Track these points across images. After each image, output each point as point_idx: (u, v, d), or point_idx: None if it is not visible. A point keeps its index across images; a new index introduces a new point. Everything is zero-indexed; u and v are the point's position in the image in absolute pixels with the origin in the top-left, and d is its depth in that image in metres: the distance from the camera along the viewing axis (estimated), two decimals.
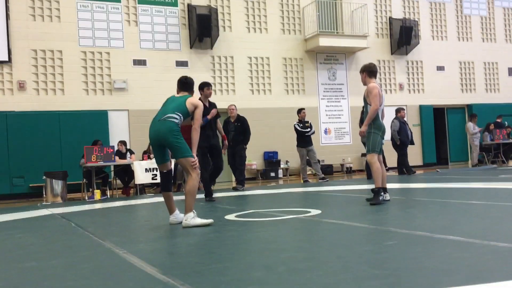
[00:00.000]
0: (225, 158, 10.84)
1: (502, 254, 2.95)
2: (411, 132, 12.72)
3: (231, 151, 10.42)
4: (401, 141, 12.18)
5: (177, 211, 5.15)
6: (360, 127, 6.46)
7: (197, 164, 4.91)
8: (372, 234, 3.92)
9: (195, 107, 5.02)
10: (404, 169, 12.46)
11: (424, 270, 2.64)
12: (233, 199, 8.14)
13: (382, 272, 2.63)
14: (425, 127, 17.27)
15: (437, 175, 11.59)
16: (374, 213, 5.18)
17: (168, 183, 5.21)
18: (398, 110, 12.51)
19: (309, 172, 13.27)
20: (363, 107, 7.10)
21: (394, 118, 12.39)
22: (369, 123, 5.93)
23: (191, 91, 5.24)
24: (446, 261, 2.82)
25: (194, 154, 4.94)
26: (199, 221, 4.80)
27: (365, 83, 6.10)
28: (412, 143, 12.70)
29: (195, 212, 4.86)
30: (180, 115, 4.94)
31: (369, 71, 6.06)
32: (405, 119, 12.68)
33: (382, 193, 5.93)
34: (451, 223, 4.22)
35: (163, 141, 4.92)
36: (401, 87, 17.04)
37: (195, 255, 3.47)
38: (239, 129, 10.36)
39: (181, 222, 4.92)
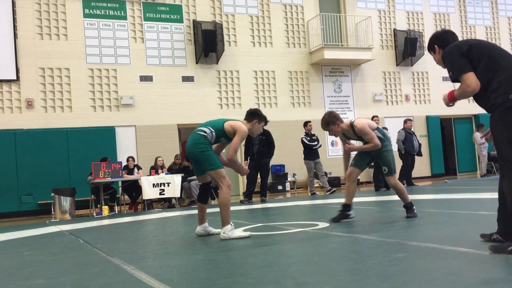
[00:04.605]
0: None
1: None
2: (420, 143, 12.69)
3: (255, 163, 10.57)
4: (406, 151, 12.21)
5: (206, 224, 5.16)
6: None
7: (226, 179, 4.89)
8: (381, 246, 3.90)
9: (235, 131, 4.88)
10: (404, 180, 12.28)
11: (434, 282, 2.62)
12: (241, 213, 8.12)
13: (392, 285, 2.61)
14: (433, 138, 17.20)
15: (446, 186, 11.52)
16: (382, 225, 5.16)
17: (203, 196, 5.22)
18: (405, 121, 12.58)
19: (316, 185, 13.24)
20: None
21: (401, 129, 12.48)
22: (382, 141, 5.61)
23: (247, 120, 5.09)
24: (455, 273, 2.80)
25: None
26: (237, 233, 4.82)
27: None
28: (419, 154, 12.65)
29: (232, 224, 4.87)
30: (212, 130, 4.90)
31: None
32: (412, 129, 12.67)
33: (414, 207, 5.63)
34: (460, 234, 4.19)
35: (191, 153, 4.91)
36: (407, 98, 17.03)
37: (203, 270, 3.47)
38: (263, 142, 10.54)
39: (206, 235, 5.01)
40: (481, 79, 3.30)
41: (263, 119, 5.14)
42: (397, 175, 5.72)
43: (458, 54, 3.40)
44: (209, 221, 5.41)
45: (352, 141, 6.06)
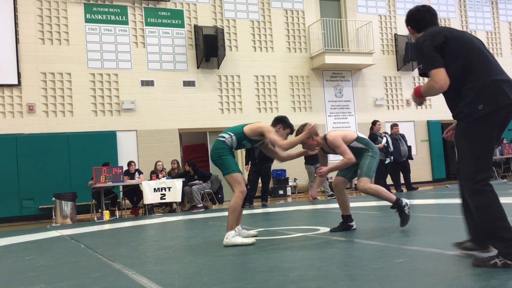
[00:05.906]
0: (246, 174, 11.01)
1: None
2: (409, 147, 12.51)
3: (256, 168, 10.63)
4: (393, 159, 11.88)
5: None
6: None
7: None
8: (382, 251, 3.89)
9: (259, 132, 4.88)
10: (395, 186, 12.19)
11: (435, 287, 2.62)
12: (242, 218, 8.10)
13: None
14: (434, 142, 17.19)
15: (447, 191, 11.50)
16: (383, 230, 5.15)
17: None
18: (392, 126, 12.42)
19: (317, 190, 13.21)
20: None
21: (388, 135, 12.15)
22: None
23: (272, 125, 5.02)
24: (457, 278, 2.80)
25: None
26: (240, 240, 4.78)
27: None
28: (410, 158, 12.51)
29: (236, 230, 4.86)
30: (232, 134, 4.92)
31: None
32: (400, 133, 12.35)
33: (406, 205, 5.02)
34: (461, 239, 4.18)
35: (212, 159, 5.00)
36: (408, 103, 17.04)
37: (205, 275, 3.46)
38: None
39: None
40: (452, 80, 2.96)
41: (288, 126, 5.04)
42: (372, 180, 5.24)
43: (431, 46, 3.01)
44: (211, 225, 5.40)
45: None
